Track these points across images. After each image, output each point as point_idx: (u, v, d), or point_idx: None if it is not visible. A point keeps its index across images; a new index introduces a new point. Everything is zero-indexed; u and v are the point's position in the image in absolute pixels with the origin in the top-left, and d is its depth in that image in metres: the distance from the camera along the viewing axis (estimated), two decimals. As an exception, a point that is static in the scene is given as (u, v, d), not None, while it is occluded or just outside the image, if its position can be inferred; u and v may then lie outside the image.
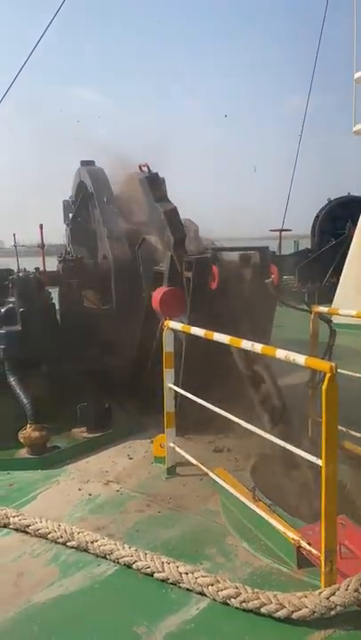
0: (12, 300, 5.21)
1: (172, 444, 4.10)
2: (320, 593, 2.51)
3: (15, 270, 5.64)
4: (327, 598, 2.47)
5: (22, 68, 7.75)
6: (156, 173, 5.18)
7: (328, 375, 2.43)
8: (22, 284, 5.18)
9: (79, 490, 3.98)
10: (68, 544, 3.20)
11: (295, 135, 14.71)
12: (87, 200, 7.13)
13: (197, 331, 3.77)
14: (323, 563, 2.58)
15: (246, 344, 3.14)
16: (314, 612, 2.46)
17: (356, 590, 2.46)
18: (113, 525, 3.45)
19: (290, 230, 15.13)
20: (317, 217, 16.96)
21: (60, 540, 3.23)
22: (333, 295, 11.40)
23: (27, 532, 3.37)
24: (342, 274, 11.53)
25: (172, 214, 4.83)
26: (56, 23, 7.49)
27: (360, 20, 10.93)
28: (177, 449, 4.07)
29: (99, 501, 3.79)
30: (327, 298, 11.73)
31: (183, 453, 4.00)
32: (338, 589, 2.48)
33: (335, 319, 6.31)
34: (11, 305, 5.19)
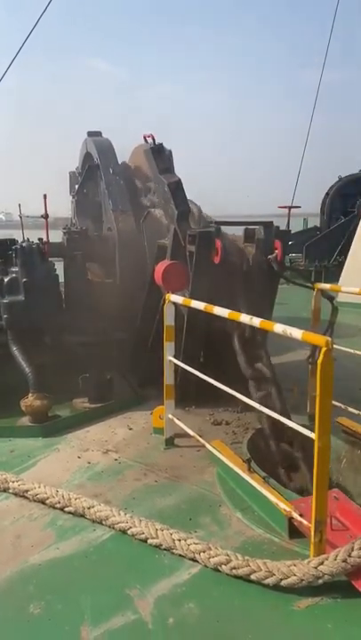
0: (15, 269, 5.22)
1: (170, 416, 4.14)
2: (309, 562, 2.55)
3: (19, 241, 5.63)
4: (315, 567, 2.51)
5: (30, 34, 7.58)
6: (161, 144, 5.10)
7: (324, 349, 2.44)
8: (25, 253, 5.18)
9: (78, 458, 4.05)
10: (66, 509, 3.27)
11: (308, 110, 14.40)
12: (93, 171, 7.07)
13: (198, 304, 3.76)
14: (312, 533, 2.62)
15: (245, 318, 3.14)
16: (302, 580, 2.51)
17: (345, 560, 2.50)
18: (110, 493, 3.51)
19: (299, 207, 14.96)
20: (328, 194, 16.74)
21: (58, 506, 3.30)
22: (340, 274, 11.33)
23: (25, 497, 3.44)
24: (350, 252, 11.44)
25: (177, 186, 4.78)
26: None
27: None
28: (176, 421, 4.11)
29: (97, 469, 3.86)
30: (335, 276, 11.66)
31: (182, 425, 4.04)
32: (326, 559, 2.53)
33: (340, 297, 6.28)
34: (14, 275, 5.20)
